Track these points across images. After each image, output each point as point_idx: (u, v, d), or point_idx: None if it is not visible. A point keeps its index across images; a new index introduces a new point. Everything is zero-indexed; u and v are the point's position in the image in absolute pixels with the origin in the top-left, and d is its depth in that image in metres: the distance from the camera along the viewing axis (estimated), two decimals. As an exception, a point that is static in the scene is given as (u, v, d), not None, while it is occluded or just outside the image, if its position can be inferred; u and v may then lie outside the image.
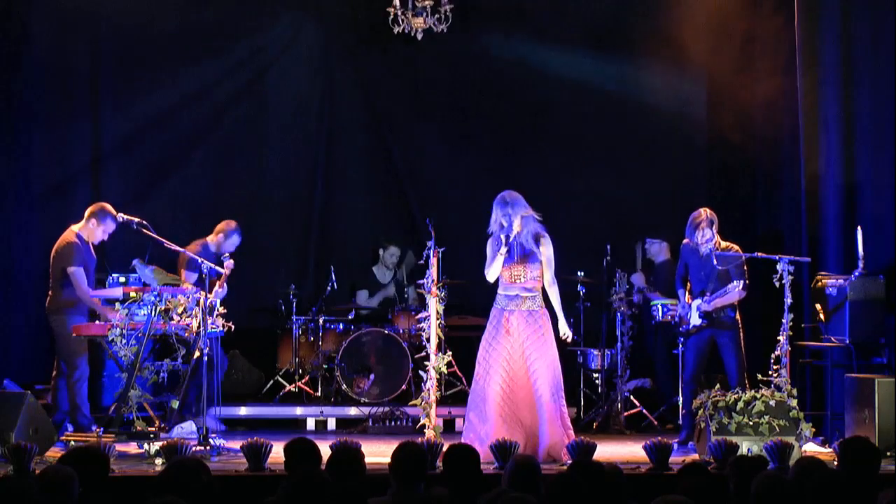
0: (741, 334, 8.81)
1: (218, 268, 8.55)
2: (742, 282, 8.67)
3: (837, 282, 9.00)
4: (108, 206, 8.82)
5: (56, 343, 8.80)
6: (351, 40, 11.66)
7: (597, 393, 10.55)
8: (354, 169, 11.80)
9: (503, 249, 7.98)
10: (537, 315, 8.09)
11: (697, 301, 8.86)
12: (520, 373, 8.00)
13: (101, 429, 8.06)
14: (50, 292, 8.79)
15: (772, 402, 7.99)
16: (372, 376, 10.49)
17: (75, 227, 8.75)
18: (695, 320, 8.88)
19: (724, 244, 8.85)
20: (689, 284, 9.06)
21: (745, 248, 8.90)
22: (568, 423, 8.09)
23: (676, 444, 8.16)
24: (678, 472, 5.35)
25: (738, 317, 8.82)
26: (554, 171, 11.64)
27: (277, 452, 6.74)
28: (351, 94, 11.76)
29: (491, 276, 8.09)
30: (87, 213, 8.81)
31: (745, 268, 8.79)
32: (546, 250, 8.09)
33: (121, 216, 8.73)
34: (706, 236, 8.79)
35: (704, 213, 8.84)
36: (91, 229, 8.71)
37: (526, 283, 8.07)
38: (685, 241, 8.99)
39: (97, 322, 8.47)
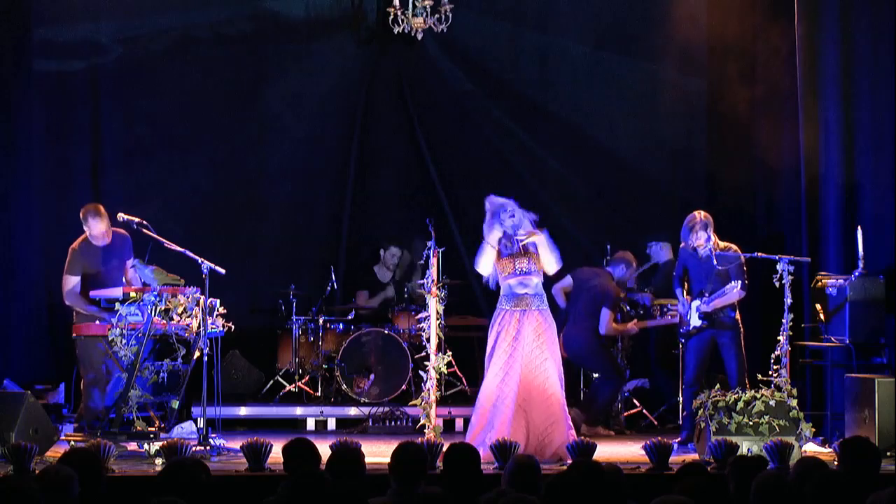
0: (742, 334, 8.81)
1: (217, 268, 8.52)
2: (740, 282, 8.66)
3: (837, 282, 9.00)
4: (94, 206, 8.70)
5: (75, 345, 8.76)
6: (351, 40, 11.65)
7: (597, 393, 10.54)
8: (361, 170, 11.78)
9: (493, 237, 8.01)
10: (546, 314, 8.14)
11: (697, 302, 8.86)
12: (531, 373, 8.03)
13: (101, 429, 8.06)
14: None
15: (772, 402, 7.99)
16: (372, 376, 10.49)
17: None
18: (695, 321, 8.87)
19: (722, 244, 8.83)
20: (686, 285, 9.06)
21: (746, 249, 8.89)
22: (570, 423, 8.16)
23: (676, 444, 8.15)
24: (678, 472, 5.35)
25: (738, 316, 8.81)
26: (553, 171, 11.66)
27: (277, 452, 6.74)
28: (354, 95, 11.75)
29: (482, 268, 8.13)
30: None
31: (745, 268, 8.78)
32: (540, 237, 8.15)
33: (121, 216, 8.70)
34: (701, 239, 8.78)
35: (699, 215, 8.81)
36: (88, 232, 8.69)
37: (531, 276, 8.08)
38: (682, 243, 9.00)
39: (97, 322, 8.46)
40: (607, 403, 9.84)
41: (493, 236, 8.08)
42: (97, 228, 8.61)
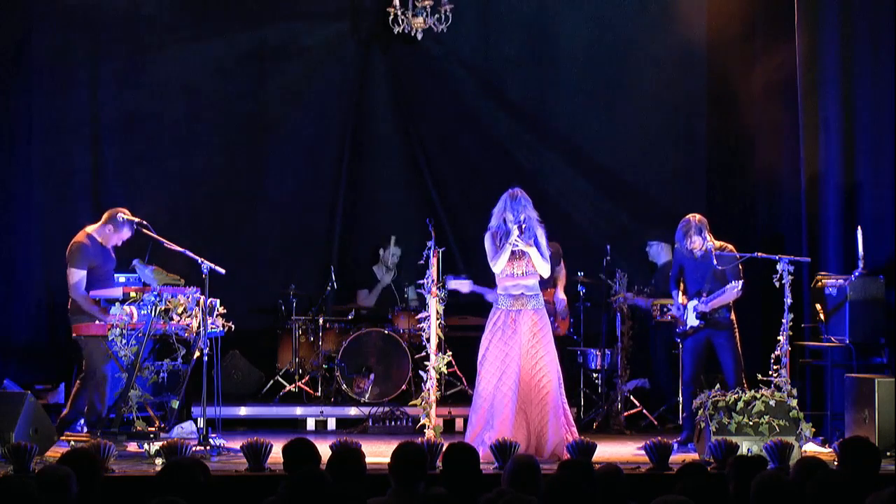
0: (737, 334, 8.80)
1: (217, 268, 8.51)
2: (741, 282, 8.67)
3: (837, 282, 9.00)
4: (127, 213, 8.72)
5: (77, 345, 8.75)
6: (351, 40, 11.65)
7: (597, 393, 10.55)
8: (360, 170, 11.77)
9: (513, 238, 8.01)
10: (542, 313, 8.19)
11: (694, 302, 8.85)
12: (528, 372, 8.05)
13: (101, 429, 8.06)
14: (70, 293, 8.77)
15: (772, 402, 7.99)
16: (372, 376, 10.48)
17: (89, 228, 8.69)
18: (691, 321, 8.87)
19: (718, 243, 8.83)
20: (682, 286, 9.06)
21: (746, 249, 8.89)
22: (570, 420, 8.17)
23: (676, 444, 8.16)
24: (678, 472, 5.35)
25: (733, 317, 8.81)
26: (554, 171, 11.65)
27: (277, 452, 6.74)
28: (354, 95, 11.74)
29: (498, 266, 8.13)
30: (104, 217, 8.74)
31: (741, 268, 8.79)
32: (541, 239, 8.15)
33: (121, 216, 8.70)
34: (695, 243, 8.78)
35: (693, 219, 8.81)
36: (107, 234, 8.66)
37: (527, 278, 8.10)
38: (677, 244, 9.01)
39: (97, 322, 8.45)
40: None
41: (513, 237, 8.08)
42: (124, 236, 8.64)
